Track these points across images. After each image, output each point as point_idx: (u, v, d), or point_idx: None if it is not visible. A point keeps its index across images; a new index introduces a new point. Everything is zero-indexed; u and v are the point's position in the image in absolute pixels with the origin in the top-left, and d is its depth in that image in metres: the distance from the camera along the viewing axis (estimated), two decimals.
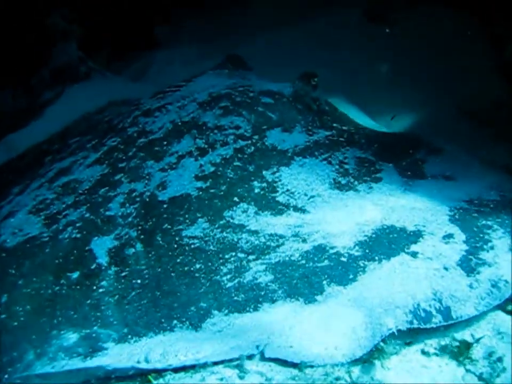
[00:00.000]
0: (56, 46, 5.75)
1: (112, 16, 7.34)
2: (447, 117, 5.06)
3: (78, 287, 2.93)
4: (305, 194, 3.52)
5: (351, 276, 2.87)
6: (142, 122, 3.93)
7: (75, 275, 2.98)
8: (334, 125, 4.33)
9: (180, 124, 3.88)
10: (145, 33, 7.90)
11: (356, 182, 3.67)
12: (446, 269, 2.85)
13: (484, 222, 3.18)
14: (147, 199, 3.39)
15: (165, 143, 3.75)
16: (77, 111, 5.40)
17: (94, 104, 5.51)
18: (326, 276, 2.89)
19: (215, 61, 5.55)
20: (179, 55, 7.55)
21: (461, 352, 2.54)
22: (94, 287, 2.92)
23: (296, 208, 3.41)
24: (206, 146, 3.74)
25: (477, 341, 2.58)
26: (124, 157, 3.65)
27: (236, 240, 3.16)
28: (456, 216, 3.26)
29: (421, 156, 3.97)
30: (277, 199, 3.46)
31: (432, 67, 5.80)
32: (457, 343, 2.58)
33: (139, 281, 2.95)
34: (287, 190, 3.53)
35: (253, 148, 3.78)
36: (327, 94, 4.97)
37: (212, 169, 3.58)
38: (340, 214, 3.37)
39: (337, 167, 3.79)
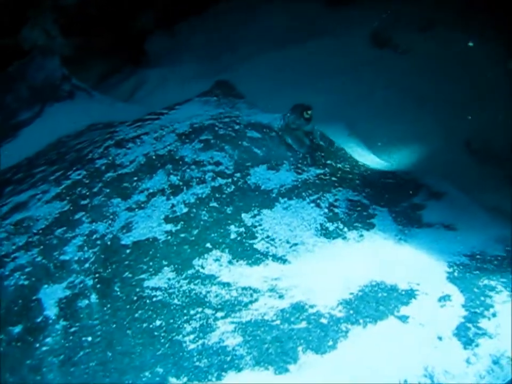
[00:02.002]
0: (35, 61, 5.50)
1: (106, 29, 7.19)
2: (453, 153, 4.82)
3: (19, 343, 2.65)
4: (287, 242, 3.25)
5: (330, 342, 2.60)
6: (112, 154, 3.68)
7: (17, 329, 2.70)
8: (328, 162, 4.08)
9: (154, 157, 3.63)
10: (140, 48, 7.76)
11: (346, 229, 3.41)
12: (440, 338, 2.58)
13: (486, 281, 2.91)
14: (108, 243, 3.13)
15: (135, 178, 3.50)
16: (55, 133, 5.20)
17: (75, 127, 5.32)
18: (302, 341, 2.62)
19: (211, 82, 5.36)
20: (175, 73, 7.39)
21: None
22: (38, 344, 2.65)
23: (275, 258, 3.14)
24: (180, 183, 3.48)
25: None
26: (87, 193, 3.40)
27: (204, 293, 2.89)
28: (455, 274, 2.99)
29: (419, 200, 3.71)
30: (255, 246, 3.19)
31: (442, 96, 5.59)
32: None
33: (89, 338, 2.68)
34: (267, 236, 3.27)
35: (233, 187, 3.52)
36: (327, 123, 4.77)
37: (185, 210, 3.33)
38: (324, 266, 3.10)
39: (326, 210, 3.53)
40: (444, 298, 2.81)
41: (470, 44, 5.62)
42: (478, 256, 3.13)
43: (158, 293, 2.89)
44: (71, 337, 2.68)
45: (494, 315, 2.68)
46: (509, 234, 3.30)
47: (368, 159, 4.49)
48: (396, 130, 5.27)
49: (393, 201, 3.70)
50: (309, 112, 4.12)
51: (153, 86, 7.08)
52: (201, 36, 7.90)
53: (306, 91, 6.00)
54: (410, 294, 2.85)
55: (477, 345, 2.51)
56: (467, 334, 2.58)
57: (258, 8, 8.05)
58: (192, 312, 2.80)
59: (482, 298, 2.79)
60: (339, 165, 4.09)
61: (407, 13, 6.74)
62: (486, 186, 3.99)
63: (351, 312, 2.75)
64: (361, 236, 3.35)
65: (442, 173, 4.15)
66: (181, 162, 3.61)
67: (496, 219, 3.48)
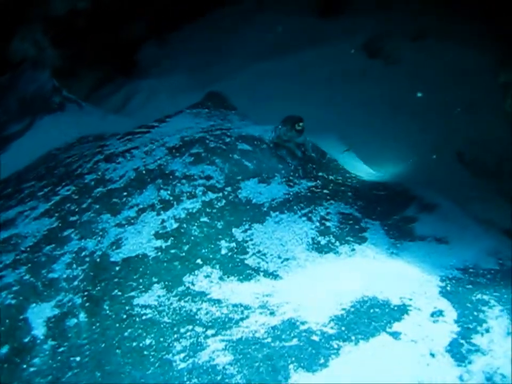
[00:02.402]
0: (25, 73, 5.50)
1: (97, 41, 7.16)
2: (446, 164, 4.82)
3: (6, 365, 2.62)
4: (279, 257, 3.24)
5: (321, 360, 2.57)
6: (102, 169, 3.66)
7: (4, 350, 2.67)
8: (320, 174, 4.07)
9: (144, 172, 3.62)
10: (131, 59, 7.75)
11: (338, 243, 3.39)
12: (432, 355, 2.55)
13: (479, 296, 2.89)
14: (98, 260, 3.10)
15: (125, 194, 3.48)
16: (46, 146, 5.19)
17: (65, 139, 5.31)
18: (293, 359, 2.59)
19: (203, 93, 5.36)
20: (166, 84, 7.40)
21: None
22: (25, 365, 2.61)
23: (266, 273, 3.12)
24: (171, 198, 3.47)
25: None
26: (76, 209, 3.37)
27: (194, 310, 2.87)
28: (448, 288, 2.97)
29: (411, 212, 3.70)
30: (246, 261, 3.18)
31: (434, 107, 5.60)
32: None
33: (78, 358, 2.65)
34: (259, 251, 3.25)
35: (224, 201, 3.51)
36: (319, 134, 4.77)
37: (175, 225, 3.31)
38: (315, 282, 3.08)
39: (317, 224, 3.51)
40: (437, 313, 2.79)
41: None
42: (470, 270, 3.12)
43: (148, 310, 2.86)
44: (59, 358, 2.65)
45: (487, 330, 2.66)
46: (502, 247, 3.29)
47: (361, 170, 4.48)
48: (388, 141, 5.28)
49: (386, 214, 3.68)
50: (301, 124, 4.11)
51: (144, 97, 7.09)
52: (193, 46, 7.93)
53: (299, 102, 6.02)
54: (402, 310, 2.82)
55: (470, 362, 2.49)
56: (460, 351, 2.55)
57: (250, 19, 8.09)
58: (182, 330, 2.77)
59: (475, 313, 2.77)
60: (331, 177, 4.08)
61: (399, 23, 6.77)
62: (478, 198, 3.98)
63: (343, 328, 2.73)
64: (353, 250, 3.33)
65: (434, 184, 4.15)
66: (171, 177, 3.60)
67: (488, 232, 3.47)
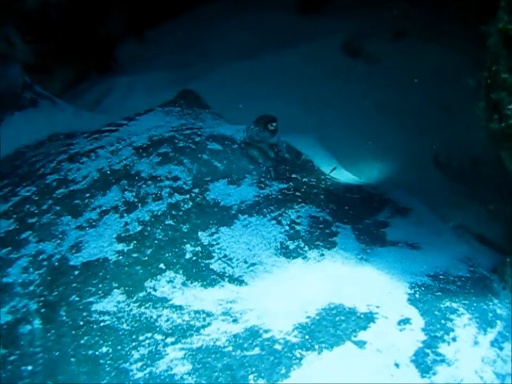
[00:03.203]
0: None
1: (72, 36, 7.02)
2: (422, 168, 4.77)
3: None
4: (245, 262, 3.17)
5: (283, 370, 2.52)
6: (65, 169, 3.57)
7: None
8: (293, 175, 4.00)
9: (108, 172, 3.53)
10: (108, 55, 7.62)
11: (306, 247, 3.33)
12: (397, 365, 2.52)
13: (448, 303, 2.87)
14: (56, 264, 3.02)
15: (88, 195, 3.40)
16: (15, 143, 5.07)
17: (36, 137, 5.20)
18: (253, 369, 2.54)
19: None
20: (144, 81, 7.28)
21: None
22: None
23: (231, 279, 3.05)
24: (135, 200, 3.39)
25: None
26: (36, 211, 3.29)
27: (154, 317, 2.80)
28: (417, 295, 2.93)
29: (384, 217, 3.65)
30: (210, 266, 3.11)
31: (412, 109, 5.56)
32: None
33: (30, 367, 2.56)
34: (225, 256, 3.18)
35: (190, 203, 3.43)
36: (296, 134, 4.71)
37: (139, 228, 3.23)
38: (281, 288, 3.02)
39: (287, 228, 3.45)
40: (404, 321, 2.76)
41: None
42: (441, 277, 3.08)
43: (106, 317, 2.79)
44: (9, 367, 2.57)
45: (454, 339, 2.63)
46: (474, 254, 3.26)
47: (337, 172, 4.43)
48: (366, 141, 5.23)
49: (358, 218, 3.63)
50: (274, 124, 4.03)
51: (121, 94, 6.96)
52: (172, 43, 7.81)
53: (277, 101, 5.95)
54: (369, 318, 2.78)
55: (434, 373, 2.46)
56: (425, 361, 2.52)
57: (230, 17, 8.01)
58: (141, 337, 2.70)
59: (443, 321, 2.74)
60: (305, 179, 4.02)
61: (380, 22, 6.74)
62: (452, 203, 3.94)
63: (307, 337, 2.68)
64: (322, 255, 3.28)
65: (409, 187, 4.10)
66: (136, 178, 3.51)
67: (461, 238, 3.44)
